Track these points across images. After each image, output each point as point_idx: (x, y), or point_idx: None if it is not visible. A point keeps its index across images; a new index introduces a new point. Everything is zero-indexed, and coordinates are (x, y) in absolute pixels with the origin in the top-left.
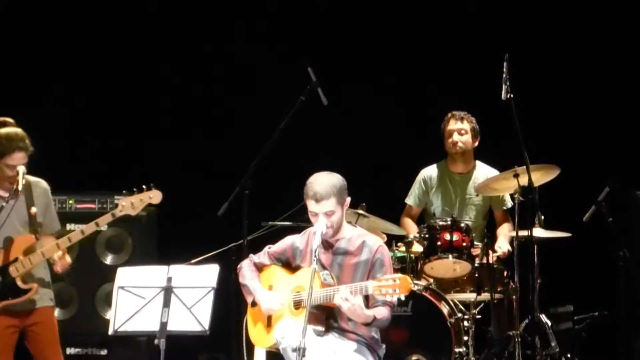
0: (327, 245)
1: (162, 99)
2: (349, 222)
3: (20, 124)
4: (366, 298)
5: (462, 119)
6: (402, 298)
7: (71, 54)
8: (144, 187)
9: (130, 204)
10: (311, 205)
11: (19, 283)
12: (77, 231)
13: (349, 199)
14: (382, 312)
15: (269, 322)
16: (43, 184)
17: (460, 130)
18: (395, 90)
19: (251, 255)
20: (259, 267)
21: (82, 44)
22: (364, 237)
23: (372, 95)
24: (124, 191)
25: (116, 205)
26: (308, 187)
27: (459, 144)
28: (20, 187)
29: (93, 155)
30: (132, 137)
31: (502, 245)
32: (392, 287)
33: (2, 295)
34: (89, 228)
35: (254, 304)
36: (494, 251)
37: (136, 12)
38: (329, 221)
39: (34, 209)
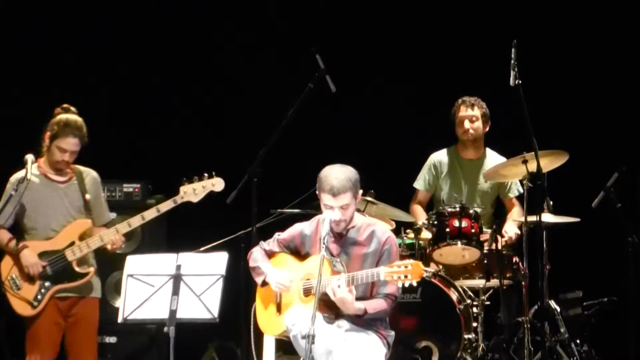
0: (337, 234)
1: (171, 88)
2: (358, 210)
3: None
4: (371, 287)
5: (472, 106)
6: (414, 284)
7: (88, 47)
8: (205, 174)
9: (192, 191)
10: (327, 199)
11: (75, 267)
12: (138, 216)
13: (361, 191)
14: (379, 305)
15: (278, 309)
16: (93, 173)
17: (472, 117)
18: (404, 74)
19: (261, 242)
20: (269, 254)
21: (105, 40)
22: (373, 227)
23: (380, 81)
24: (184, 178)
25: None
26: (323, 180)
27: (471, 131)
28: (29, 176)
29: (103, 144)
30: (141, 125)
31: (509, 230)
32: (404, 272)
33: (57, 278)
34: (150, 213)
35: (264, 283)
36: (502, 236)
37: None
38: (344, 214)
39: (88, 195)
